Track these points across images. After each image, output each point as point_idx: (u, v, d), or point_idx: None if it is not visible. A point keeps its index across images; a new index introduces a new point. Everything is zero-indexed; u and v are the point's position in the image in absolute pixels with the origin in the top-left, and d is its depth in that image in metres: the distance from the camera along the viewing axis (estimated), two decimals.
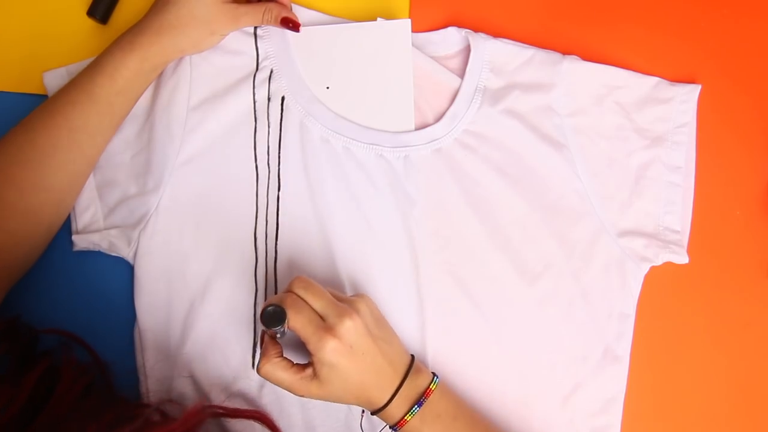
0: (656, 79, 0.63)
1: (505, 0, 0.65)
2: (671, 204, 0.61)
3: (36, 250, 0.57)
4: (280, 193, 0.61)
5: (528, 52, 0.62)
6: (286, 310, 0.49)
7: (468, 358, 0.59)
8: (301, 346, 0.52)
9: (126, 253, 0.60)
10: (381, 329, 0.53)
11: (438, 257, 0.60)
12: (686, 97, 0.62)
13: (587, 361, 0.60)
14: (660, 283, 0.62)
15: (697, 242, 0.62)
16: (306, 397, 0.52)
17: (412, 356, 0.55)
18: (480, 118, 0.61)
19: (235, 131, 0.61)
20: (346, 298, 0.53)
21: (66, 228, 0.60)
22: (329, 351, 0.49)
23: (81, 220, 0.60)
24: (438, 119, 0.62)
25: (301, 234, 0.60)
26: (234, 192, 0.60)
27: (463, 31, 0.63)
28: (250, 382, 0.59)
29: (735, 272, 0.63)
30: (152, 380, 0.59)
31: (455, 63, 0.63)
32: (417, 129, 0.62)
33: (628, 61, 0.63)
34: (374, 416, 0.53)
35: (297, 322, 0.50)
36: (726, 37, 0.65)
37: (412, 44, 0.62)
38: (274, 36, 0.62)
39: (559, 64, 0.62)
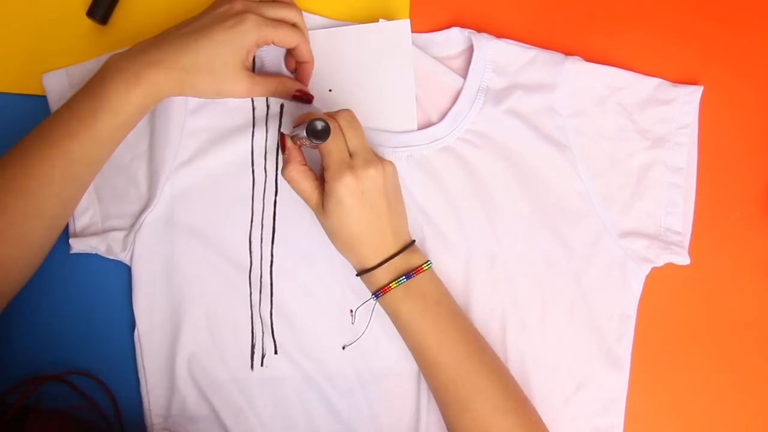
0: (658, 80, 0.63)
1: (507, 0, 0.65)
2: (673, 205, 0.62)
3: (29, 270, 0.56)
4: (276, 197, 0.61)
5: (531, 53, 0.62)
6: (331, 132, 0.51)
7: None
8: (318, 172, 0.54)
9: (123, 256, 0.60)
10: (396, 199, 0.55)
11: (440, 256, 0.60)
12: (688, 99, 0.62)
13: (589, 362, 0.60)
14: (661, 284, 0.62)
15: (698, 243, 0.62)
16: (314, 213, 0.54)
17: (414, 240, 0.56)
18: (482, 118, 0.61)
19: (234, 135, 0.61)
20: (379, 156, 0.54)
21: (63, 231, 0.59)
22: (342, 185, 0.51)
23: (79, 223, 0.60)
24: (441, 119, 0.62)
25: (298, 238, 0.60)
26: (231, 196, 0.60)
27: (466, 32, 0.63)
28: (248, 383, 0.59)
29: (736, 273, 0.63)
30: (152, 382, 0.59)
31: (458, 63, 0.63)
32: (420, 129, 0.62)
33: (631, 62, 0.63)
34: (359, 277, 0.55)
35: (327, 146, 0.52)
36: (728, 39, 0.65)
37: (416, 45, 0.62)
38: None
39: (561, 64, 0.62)
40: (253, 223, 0.60)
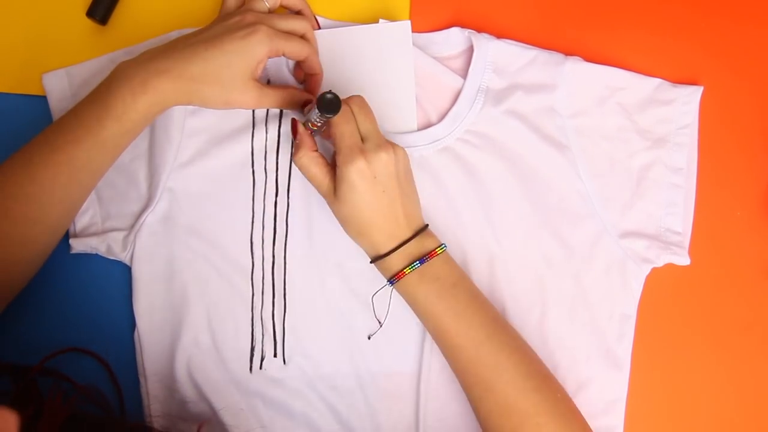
0: (658, 80, 0.63)
1: (507, 1, 0.65)
2: (673, 205, 0.62)
3: (31, 271, 0.56)
4: (277, 198, 0.61)
5: (531, 53, 0.62)
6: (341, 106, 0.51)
7: None
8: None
9: (123, 256, 0.60)
10: (408, 184, 0.55)
11: None
12: (688, 99, 0.62)
13: (589, 362, 0.60)
14: (661, 285, 0.62)
15: (698, 244, 0.62)
16: (325, 200, 0.54)
17: (427, 224, 0.56)
18: (482, 118, 0.61)
19: (233, 136, 0.61)
20: (390, 140, 0.54)
21: None
22: (354, 170, 0.51)
23: (79, 223, 0.60)
24: (441, 119, 0.62)
25: (299, 239, 0.60)
26: (231, 197, 0.60)
27: (466, 32, 0.63)
28: (248, 384, 0.59)
29: (736, 274, 0.63)
30: (152, 382, 0.59)
31: (458, 63, 0.63)
32: (420, 129, 0.62)
33: (631, 63, 0.63)
34: (373, 264, 0.55)
35: (339, 129, 0.51)
36: (728, 39, 0.65)
37: (415, 45, 0.62)
38: None
39: (561, 65, 0.62)
40: (254, 224, 0.60)
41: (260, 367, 0.59)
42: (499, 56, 0.62)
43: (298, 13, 0.60)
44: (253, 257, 0.60)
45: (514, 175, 0.61)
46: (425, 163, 0.61)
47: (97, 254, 0.60)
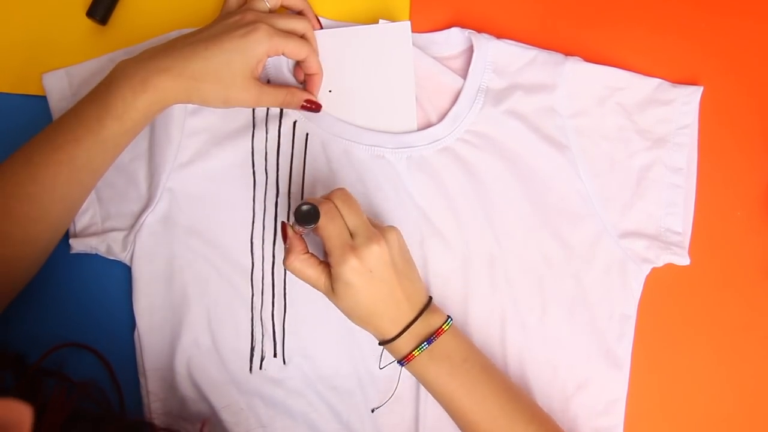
0: (658, 80, 0.63)
1: (507, 1, 0.65)
2: (673, 205, 0.61)
3: (32, 270, 0.56)
4: (277, 199, 0.61)
5: (531, 53, 0.62)
6: (320, 214, 0.50)
7: None
8: (321, 254, 0.53)
9: (123, 256, 0.60)
10: (405, 264, 0.54)
11: (440, 257, 0.60)
12: (688, 99, 0.62)
13: (589, 362, 0.60)
14: (661, 285, 0.62)
15: (698, 244, 0.62)
16: (326, 296, 0.53)
17: (430, 297, 0.55)
18: (482, 118, 0.61)
19: (234, 136, 0.61)
20: (379, 225, 0.54)
21: None
22: (348, 269, 0.50)
23: (79, 223, 0.60)
24: (441, 119, 0.62)
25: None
26: (231, 197, 0.60)
27: (466, 32, 0.63)
28: (248, 384, 0.59)
29: (736, 274, 0.63)
30: (152, 382, 0.59)
31: (458, 63, 0.63)
32: (420, 129, 0.62)
33: (631, 63, 0.63)
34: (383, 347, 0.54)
35: (326, 231, 0.51)
36: (728, 39, 0.65)
37: (416, 45, 0.62)
38: None
39: (561, 65, 0.62)
40: (254, 224, 0.60)
41: (260, 367, 0.59)
42: (499, 56, 0.62)
43: (299, 13, 0.60)
44: (253, 257, 0.60)
45: (514, 175, 0.61)
46: (425, 164, 0.61)
47: (97, 254, 0.60)
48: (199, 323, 0.59)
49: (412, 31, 0.62)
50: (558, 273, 0.60)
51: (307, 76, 0.60)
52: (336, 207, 0.52)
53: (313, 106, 0.59)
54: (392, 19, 0.63)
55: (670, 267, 0.61)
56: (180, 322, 0.59)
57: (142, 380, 0.59)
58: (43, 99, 0.62)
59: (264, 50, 0.54)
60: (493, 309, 0.60)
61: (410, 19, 0.64)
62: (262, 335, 0.59)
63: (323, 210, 0.51)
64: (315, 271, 0.53)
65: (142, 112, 0.52)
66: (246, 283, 0.60)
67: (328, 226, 0.51)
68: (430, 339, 0.52)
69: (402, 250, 0.54)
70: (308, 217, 0.50)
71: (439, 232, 0.61)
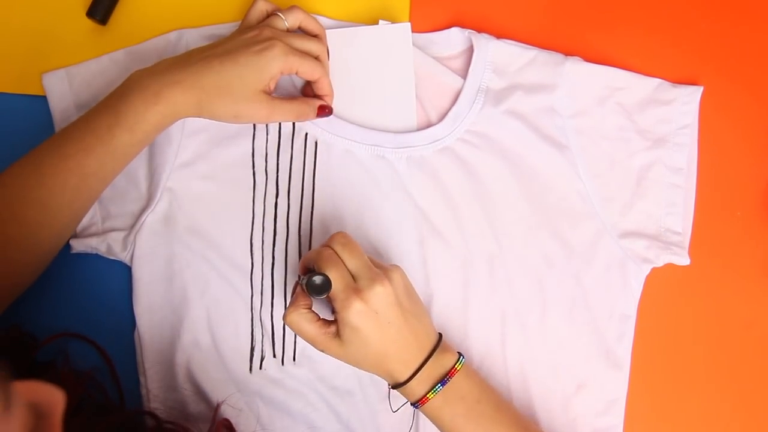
0: (658, 80, 0.63)
1: (507, 1, 0.65)
2: (673, 205, 0.61)
3: (36, 273, 0.56)
4: (277, 200, 0.61)
5: (531, 53, 0.62)
6: (322, 268, 0.50)
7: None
8: (328, 301, 0.52)
9: (123, 256, 0.60)
10: (411, 303, 0.53)
11: (439, 257, 0.60)
12: (688, 99, 0.62)
13: (589, 362, 0.60)
14: (661, 285, 0.62)
15: (698, 244, 0.62)
16: (327, 354, 0.52)
17: (440, 335, 0.54)
18: (482, 118, 0.61)
19: (234, 137, 0.61)
20: (381, 265, 0.53)
21: None
22: (354, 313, 0.49)
23: (79, 223, 0.60)
24: (441, 119, 0.62)
25: (299, 240, 0.60)
26: (231, 197, 0.60)
27: (466, 32, 0.63)
28: (248, 384, 0.59)
29: (736, 274, 0.63)
30: (152, 381, 0.59)
31: (458, 63, 0.63)
32: (420, 129, 0.62)
33: (631, 63, 0.63)
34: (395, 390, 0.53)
35: (329, 276, 0.50)
36: (728, 39, 0.65)
37: (415, 45, 0.62)
38: None
39: (561, 65, 0.62)
40: (254, 225, 0.60)
41: (260, 367, 0.59)
42: (499, 56, 0.62)
43: (314, 36, 0.59)
44: (252, 258, 0.60)
45: (514, 175, 0.61)
46: (425, 163, 0.61)
47: (97, 254, 0.60)
48: (199, 323, 0.59)
49: (412, 31, 0.62)
50: (558, 273, 0.60)
51: (318, 96, 0.60)
52: (335, 252, 0.51)
53: (326, 111, 0.59)
54: (392, 19, 0.63)
55: (670, 267, 0.61)
56: (180, 321, 0.59)
57: (142, 380, 0.59)
58: (43, 99, 0.62)
59: (278, 67, 0.54)
60: (493, 309, 0.60)
61: (410, 19, 0.64)
62: (262, 335, 0.59)
63: (323, 257, 0.51)
64: (312, 327, 0.51)
65: (153, 124, 0.52)
66: (246, 283, 0.60)
67: (331, 272, 0.50)
68: (444, 380, 0.51)
69: (407, 288, 0.53)
70: (321, 290, 0.50)
71: (439, 232, 0.61)
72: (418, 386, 0.52)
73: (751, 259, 0.63)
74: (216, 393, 0.59)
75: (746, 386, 0.62)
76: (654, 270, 0.61)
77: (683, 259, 0.61)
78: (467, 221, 0.61)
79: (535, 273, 0.60)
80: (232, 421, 0.58)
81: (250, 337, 0.59)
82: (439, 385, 0.51)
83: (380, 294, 0.50)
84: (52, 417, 0.29)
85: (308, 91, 0.61)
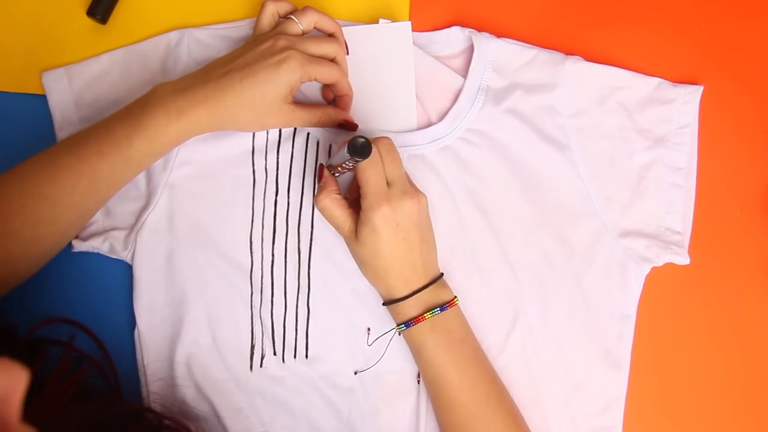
0: (658, 80, 0.63)
1: (507, 0, 0.65)
2: (673, 205, 0.62)
3: (35, 268, 0.56)
4: (277, 198, 0.61)
5: (531, 52, 0.62)
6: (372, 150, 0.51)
7: None
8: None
9: (125, 255, 0.60)
10: (428, 231, 0.55)
11: (440, 257, 0.60)
12: (688, 98, 0.62)
13: (589, 362, 0.60)
14: (661, 284, 0.62)
15: (698, 243, 0.62)
16: (346, 242, 0.55)
17: (442, 273, 0.56)
18: (482, 117, 0.61)
19: (234, 136, 0.61)
20: (414, 186, 0.55)
21: None
22: (379, 215, 0.51)
23: None
24: (441, 118, 0.62)
25: (299, 239, 0.60)
26: (231, 196, 0.60)
27: (467, 31, 0.63)
28: (248, 383, 0.59)
29: (736, 273, 0.63)
30: (152, 380, 0.59)
31: (458, 62, 0.63)
32: (420, 128, 0.62)
33: (631, 62, 0.63)
34: (385, 306, 0.55)
35: (365, 174, 0.52)
36: (728, 39, 0.65)
37: (416, 44, 0.62)
38: None
39: (561, 64, 0.62)
40: (254, 223, 0.60)
41: (260, 366, 0.59)
42: (500, 55, 0.62)
43: (330, 35, 0.59)
44: (252, 256, 0.60)
45: (514, 175, 0.61)
46: (425, 163, 0.61)
47: (97, 253, 0.60)
48: (199, 322, 0.59)
49: (413, 30, 0.62)
50: (558, 272, 0.61)
51: (337, 97, 0.60)
52: (379, 153, 0.53)
53: (350, 125, 0.60)
54: (392, 18, 0.63)
55: (670, 266, 0.61)
56: (180, 320, 0.59)
57: (142, 379, 0.59)
58: (42, 98, 0.62)
59: (297, 78, 0.54)
60: (493, 308, 0.60)
61: (410, 18, 0.64)
62: (262, 333, 0.59)
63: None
64: (342, 213, 0.54)
65: (172, 139, 0.53)
66: (245, 281, 0.60)
67: (368, 170, 0.52)
68: (443, 307, 0.53)
69: (428, 217, 0.56)
70: (362, 150, 0.50)
71: (439, 230, 0.60)
72: (411, 307, 0.53)
73: (751, 258, 0.63)
74: (216, 391, 0.59)
75: (746, 386, 0.62)
76: (654, 269, 0.61)
77: (683, 259, 0.61)
78: (467, 220, 0.61)
79: (536, 272, 0.60)
80: (232, 420, 0.58)
81: (250, 335, 0.59)
82: (438, 309, 0.53)
83: (407, 208, 0.52)
84: (9, 401, 0.27)
85: (327, 92, 0.61)
